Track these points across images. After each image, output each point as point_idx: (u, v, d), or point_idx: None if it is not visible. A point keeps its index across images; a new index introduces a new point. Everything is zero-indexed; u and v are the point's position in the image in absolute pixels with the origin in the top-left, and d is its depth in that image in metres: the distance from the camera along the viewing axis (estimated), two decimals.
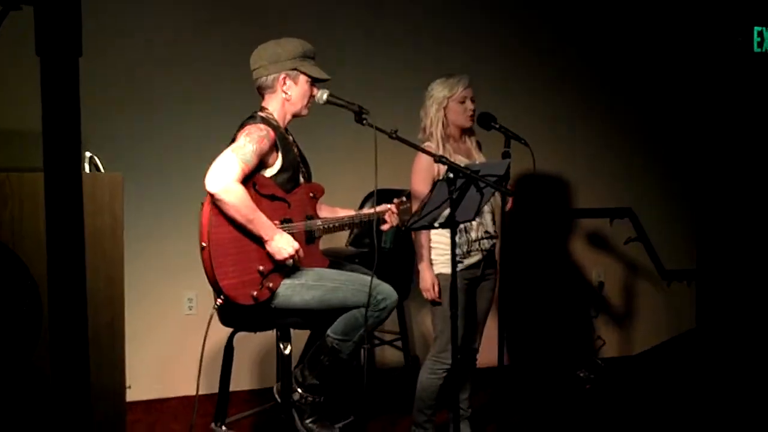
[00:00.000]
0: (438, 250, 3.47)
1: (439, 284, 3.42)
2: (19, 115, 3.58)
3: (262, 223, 2.80)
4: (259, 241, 2.84)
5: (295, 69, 2.98)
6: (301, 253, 2.89)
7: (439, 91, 3.46)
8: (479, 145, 3.63)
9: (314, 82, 3.03)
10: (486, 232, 3.51)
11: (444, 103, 3.45)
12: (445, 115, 3.46)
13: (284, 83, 2.98)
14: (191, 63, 4.42)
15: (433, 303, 3.45)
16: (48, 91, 1.08)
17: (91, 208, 1.97)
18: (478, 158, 3.54)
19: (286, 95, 2.99)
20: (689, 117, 5.38)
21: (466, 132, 3.56)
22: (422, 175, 3.42)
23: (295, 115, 3.06)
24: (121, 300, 2.10)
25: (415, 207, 3.33)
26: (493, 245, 3.58)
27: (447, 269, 3.39)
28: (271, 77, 2.98)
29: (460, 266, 3.38)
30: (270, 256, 2.86)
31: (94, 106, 4.18)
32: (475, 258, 3.49)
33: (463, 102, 3.46)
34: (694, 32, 5.27)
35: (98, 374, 2.04)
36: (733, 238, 5.17)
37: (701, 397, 4.09)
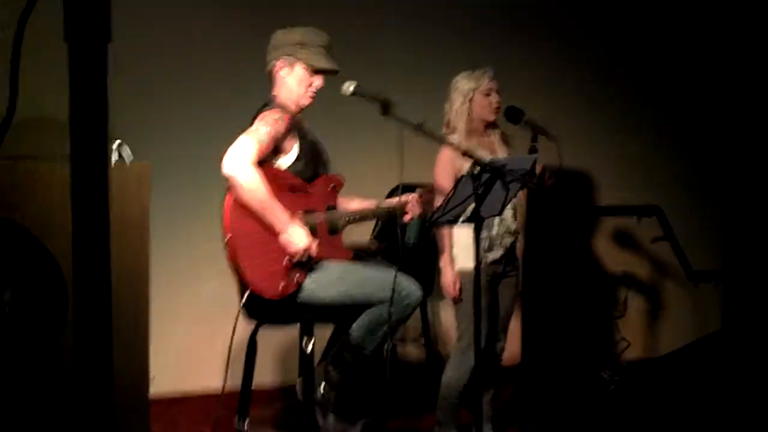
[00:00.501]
0: (459, 245, 3.44)
1: (460, 282, 3.40)
2: (50, 101, 3.58)
3: (276, 213, 2.79)
4: None
5: (290, 55, 2.96)
6: (314, 250, 2.86)
7: (464, 83, 3.44)
8: (504, 139, 3.60)
9: (319, 71, 3.00)
10: (507, 228, 3.48)
11: (470, 95, 3.42)
12: (470, 108, 3.43)
13: (280, 69, 2.98)
14: (224, 50, 4.40)
15: (454, 301, 3.42)
16: (76, 79, 1.06)
17: (118, 199, 1.95)
18: (501, 153, 3.51)
19: (283, 81, 2.99)
20: (717, 114, 5.30)
21: (489, 126, 3.53)
22: (445, 169, 3.41)
23: (295, 104, 3.02)
24: (146, 292, 2.09)
25: (438, 201, 3.30)
26: (515, 241, 3.55)
27: (468, 264, 3.37)
28: (271, 63, 3.00)
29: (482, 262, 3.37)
30: None
31: (125, 92, 4.18)
32: (497, 254, 3.47)
33: (488, 94, 3.43)
34: (721, 26, 5.19)
35: (121, 367, 2.02)
36: (762, 239, 5.09)
37: (727, 400, 4.03)
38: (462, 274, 3.42)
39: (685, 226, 5.02)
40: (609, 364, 4.70)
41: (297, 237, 2.81)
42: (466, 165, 3.30)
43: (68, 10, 1.05)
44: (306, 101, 3.03)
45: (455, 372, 3.46)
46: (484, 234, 3.37)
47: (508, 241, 3.49)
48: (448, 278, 3.41)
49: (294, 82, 2.98)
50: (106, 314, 1.17)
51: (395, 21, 4.72)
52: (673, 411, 4.07)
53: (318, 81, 3.00)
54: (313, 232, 2.94)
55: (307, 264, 2.88)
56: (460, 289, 3.39)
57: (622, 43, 5.15)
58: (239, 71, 4.40)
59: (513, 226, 3.51)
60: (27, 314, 1.92)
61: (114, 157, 2.28)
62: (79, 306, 1.14)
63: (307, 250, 2.83)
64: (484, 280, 3.37)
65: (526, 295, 4.26)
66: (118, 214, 1.95)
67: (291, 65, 2.97)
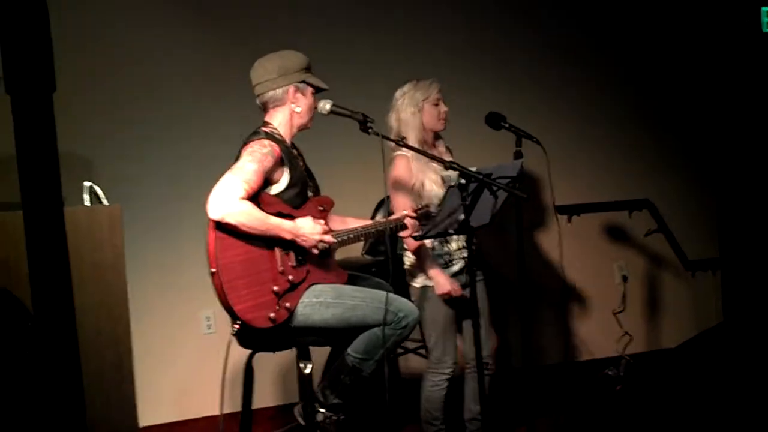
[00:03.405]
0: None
1: (426, 296, 3.40)
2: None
3: (278, 227, 2.77)
4: (271, 261, 2.79)
5: (303, 81, 2.95)
6: (329, 236, 2.87)
7: (413, 94, 3.40)
8: (449, 151, 3.57)
9: (316, 92, 3.00)
10: (467, 240, 3.43)
11: (420, 106, 3.39)
12: (421, 120, 3.40)
13: (294, 96, 2.94)
14: (190, 81, 4.40)
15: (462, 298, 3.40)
16: (21, 131, 1.03)
17: (89, 243, 1.91)
18: None
19: (295, 108, 2.95)
20: (703, 103, 5.28)
21: (437, 137, 3.52)
22: (402, 174, 3.37)
23: (300, 128, 3.02)
24: (127, 335, 2.05)
25: (402, 205, 3.30)
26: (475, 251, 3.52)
27: (429, 282, 3.39)
28: (280, 90, 2.93)
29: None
30: (283, 275, 2.80)
31: (99, 131, 4.19)
32: (457, 266, 3.44)
33: (437, 104, 3.42)
34: (703, 16, 5.17)
35: (108, 412, 1.98)
36: (756, 224, 5.06)
37: (734, 394, 3.99)
38: (427, 290, 3.41)
39: (677, 216, 5.00)
40: (613, 360, 4.66)
41: (308, 230, 2.82)
42: (419, 175, 3.28)
43: (8, 63, 1.00)
44: (311, 124, 3.04)
45: (432, 386, 3.45)
46: (444, 249, 3.38)
47: (464, 251, 3.44)
48: (446, 284, 3.36)
49: (306, 107, 2.97)
50: (74, 366, 1.12)
51: (368, 33, 4.70)
52: (680, 406, 4.04)
53: (319, 102, 3.00)
54: (304, 256, 2.90)
55: (301, 288, 2.84)
56: (425, 303, 3.39)
57: (605, 39, 5.12)
58: (208, 106, 4.40)
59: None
60: (10, 365, 1.88)
61: (86, 197, 2.23)
62: (45, 359, 1.11)
63: (322, 239, 2.84)
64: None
65: (523, 296, 4.21)
66: (90, 258, 1.92)
67: (303, 91, 2.95)
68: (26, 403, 1.88)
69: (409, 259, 3.47)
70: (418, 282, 3.43)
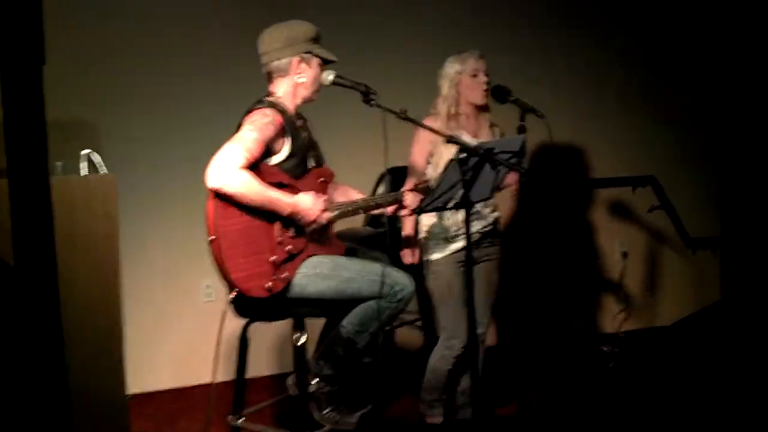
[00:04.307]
0: (429, 235, 3.41)
1: (430, 270, 3.40)
2: None
3: (277, 200, 2.74)
4: (269, 232, 2.78)
5: (309, 52, 2.91)
6: (325, 215, 2.86)
7: (450, 67, 3.38)
8: (493, 125, 3.52)
9: (323, 64, 2.96)
10: (477, 212, 3.37)
11: (456, 79, 3.37)
12: (458, 92, 3.37)
13: (298, 67, 2.91)
14: (194, 51, 4.37)
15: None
16: (10, 103, 1.01)
17: (83, 213, 1.90)
18: (486, 138, 3.43)
19: (300, 79, 2.92)
20: (709, 80, 5.24)
21: (480, 110, 3.46)
22: (422, 148, 3.38)
23: (306, 100, 2.98)
24: (118, 305, 2.05)
25: (410, 180, 3.34)
26: (487, 225, 3.47)
27: (439, 254, 3.38)
28: (284, 61, 2.90)
29: (448, 251, 3.37)
30: (281, 245, 2.79)
31: (97, 99, 4.16)
32: (460, 243, 3.36)
33: (475, 75, 3.37)
34: None
35: (97, 379, 1.99)
36: (758, 203, 5.05)
37: (727, 373, 4.00)
38: (433, 264, 3.40)
39: (681, 194, 4.98)
40: (608, 337, 4.68)
41: (306, 205, 2.80)
42: (442, 147, 3.24)
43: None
44: (315, 96, 3.00)
45: (440, 359, 3.46)
46: (450, 221, 3.35)
47: (477, 225, 3.40)
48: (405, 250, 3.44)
49: (311, 79, 2.93)
50: (56, 329, 1.12)
51: (378, 6, 4.65)
52: (674, 384, 4.05)
53: (323, 73, 2.95)
54: (302, 227, 2.89)
55: (299, 259, 2.83)
56: (431, 278, 3.40)
57: (611, 13, 5.07)
58: (216, 70, 4.36)
59: (483, 209, 3.43)
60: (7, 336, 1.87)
61: (84, 165, 2.21)
62: (27, 326, 1.11)
63: (320, 216, 2.83)
64: (456, 267, 3.35)
65: (522, 271, 4.22)
66: (84, 227, 1.91)
67: (308, 62, 2.92)
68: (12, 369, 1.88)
69: (421, 233, 3.44)
70: (425, 256, 3.43)
